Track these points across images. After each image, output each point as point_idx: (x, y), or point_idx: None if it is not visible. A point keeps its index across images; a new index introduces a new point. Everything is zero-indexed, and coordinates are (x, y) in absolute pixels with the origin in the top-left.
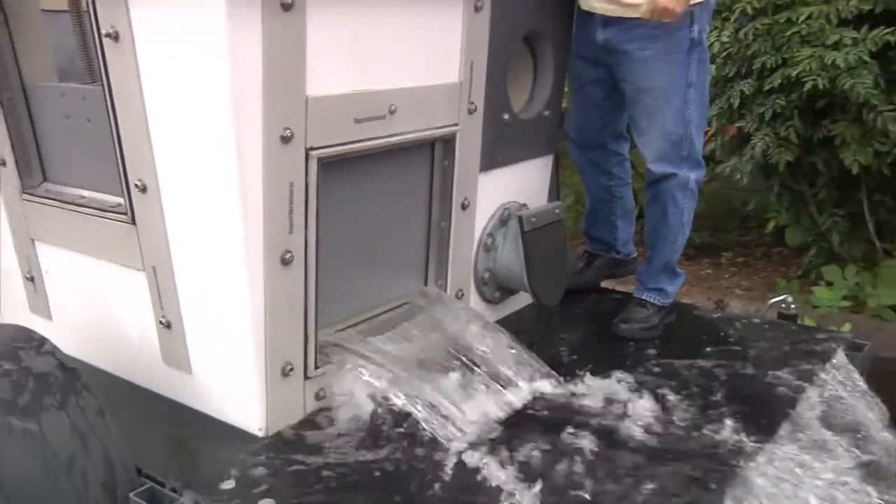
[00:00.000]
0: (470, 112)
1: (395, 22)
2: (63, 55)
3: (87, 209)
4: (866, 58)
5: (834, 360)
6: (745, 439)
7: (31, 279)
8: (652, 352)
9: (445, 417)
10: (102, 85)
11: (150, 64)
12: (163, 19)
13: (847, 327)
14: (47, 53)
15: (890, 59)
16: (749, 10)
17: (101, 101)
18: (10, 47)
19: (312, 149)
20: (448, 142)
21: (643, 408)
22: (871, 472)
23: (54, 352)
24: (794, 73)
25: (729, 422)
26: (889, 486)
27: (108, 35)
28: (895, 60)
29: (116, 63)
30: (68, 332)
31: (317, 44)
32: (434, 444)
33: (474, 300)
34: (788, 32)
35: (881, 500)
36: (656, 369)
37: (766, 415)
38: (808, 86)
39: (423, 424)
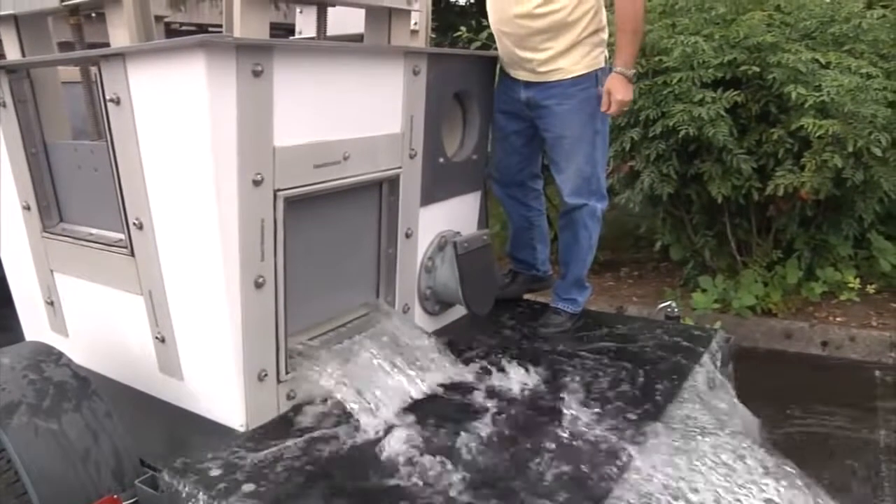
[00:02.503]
0: (411, 157)
1: (347, 84)
2: (76, 117)
3: (95, 244)
4: (723, 112)
5: (709, 349)
6: (655, 394)
7: (51, 303)
8: (564, 349)
9: (376, 407)
10: (107, 140)
11: (144, 122)
12: (155, 86)
13: (718, 324)
14: (64, 116)
15: (739, 113)
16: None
17: (105, 154)
18: (36, 113)
19: (279, 190)
20: (393, 182)
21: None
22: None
23: (70, 364)
24: (670, 124)
25: (630, 395)
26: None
27: (111, 100)
28: (742, 115)
29: (118, 122)
30: (81, 347)
31: (282, 103)
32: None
33: (418, 313)
34: (665, 91)
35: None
36: (568, 362)
37: (661, 389)
38: (681, 133)
39: (359, 417)
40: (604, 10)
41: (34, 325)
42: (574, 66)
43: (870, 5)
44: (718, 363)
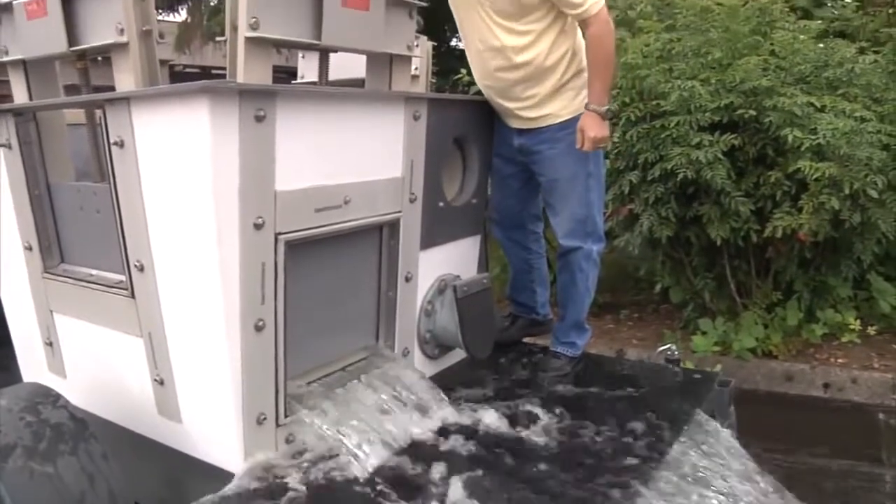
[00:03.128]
0: (411, 201)
1: (349, 128)
2: (80, 158)
3: (96, 285)
4: (720, 156)
5: (709, 393)
6: (653, 445)
7: (50, 344)
8: (563, 393)
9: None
10: (110, 183)
11: (147, 165)
12: (158, 130)
13: (718, 367)
14: (68, 158)
15: (736, 156)
16: (633, 118)
17: (108, 196)
18: (40, 154)
19: (280, 234)
20: (393, 225)
21: (551, 437)
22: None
23: (67, 405)
24: (669, 167)
25: (630, 440)
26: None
27: (115, 143)
28: (740, 158)
29: (121, 165)
30: (79, 388)
31: (284, 148)
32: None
33: (418, 356)
34: (663, 135)
35: None
36: (567, 407)
37: (664, 429)
38: (680, 176)
39: (358, 462)
40: (583, 52)
41: (32, 365)
42: (561, 110)
43: (862, 50)
44: (719, 407)
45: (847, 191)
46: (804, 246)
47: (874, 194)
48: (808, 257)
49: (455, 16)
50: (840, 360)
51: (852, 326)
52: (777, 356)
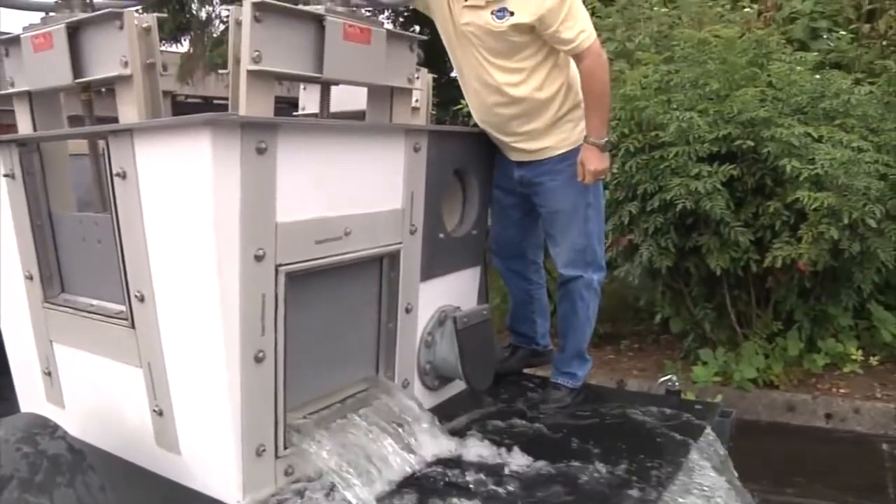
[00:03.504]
0: (411, 232)
1: (349, 161)
2: (82, 189)
3: (96, 315)
4: (719, 186)
5: (710, 424)
6: (653, 475)
7: (49, 374)
8: (564, 425)
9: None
10: (111, 213)
11: (149, 197)
12: (161, 162)
13: (719, 397)
14: (70, 188)
15: (735, 187)
16: (632, 149)
17: (110, 227)
18: (43, 184)
19: (281, 265)
20: (393, 257)
21: (551, 469)
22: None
23: (65, 436)
24: (668, 197)
25: (630, 472)
26: None
27: (117, 174)
28: (739, 188)
29: (123, 196)
30: (78, 419)
31: (285, 180)
32: None
33: (417, 388)
34: (662, 166)
35: None
36: (567, 438)
37: (663, 463)
38: (679, 207)
39: (357, 494)
40: (578, 85)
41: (30, 395)
42: (560, 143)
43: (857, 81)
44: (719, 438)
45: (846, 220)
46: (804, 276)
47: (873, 224)
48: (808, 287)
49: (450, 55)
50: (842, 390)
51: (854, 356)
52: (778, 386)
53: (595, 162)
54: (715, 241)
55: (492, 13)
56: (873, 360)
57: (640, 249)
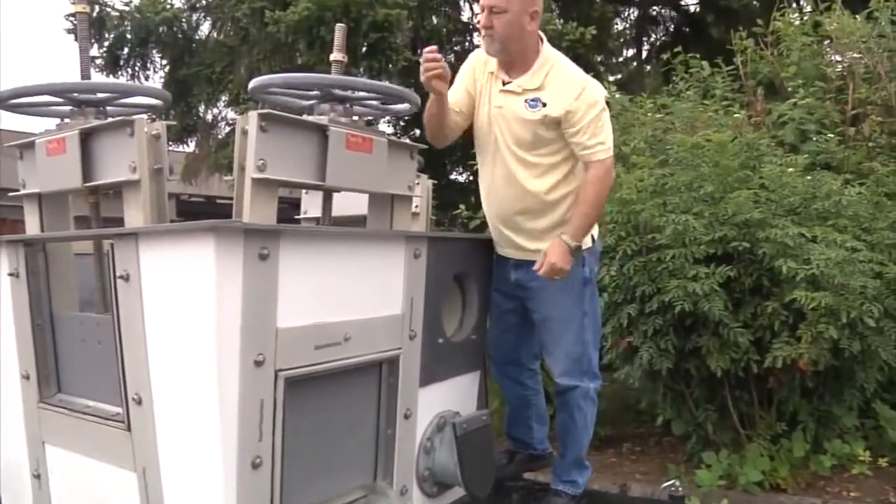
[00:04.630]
0: (411, 338)
1: (350, 267)
2: (84, 288)
3: (92, 417)
4: (717, 287)
5: None
6: None
7: (38, 476)
8: None
9: None
10: (113, 315)
11: (152, 300)
12: (164, 266)
13: (724, 502)
14: (73, 288)
15: (733, 287)
16: (629, 251)
17: (110, 328)
18: (47, 284)
19: (280, 370)
20: (393, 362)
21: None
22: None
23: None
24: (666, 299)
25: None
26: None
27: (121, 276)
28: (736, 289)
29: (126, 298)
30: None
31: (286, 285)
32: None
33: (416, 495)
34: (659, 268)
35: None
36: None
37: None
38: (677, 308)
39: None
40: None
41: (17, 498)
42: None
43: (847, 182)
44: None
45: (844, 319)
46: (806, 375)
47: (871, 323)
48: (810, 386)
49: (476, 140)
50: (853, 493)
51: (862, 457)
52: (786, 489)
53: (559, 258)
54: (714, 342)
55: (526, 101)
56: (882, 462)
57: (640, 351)
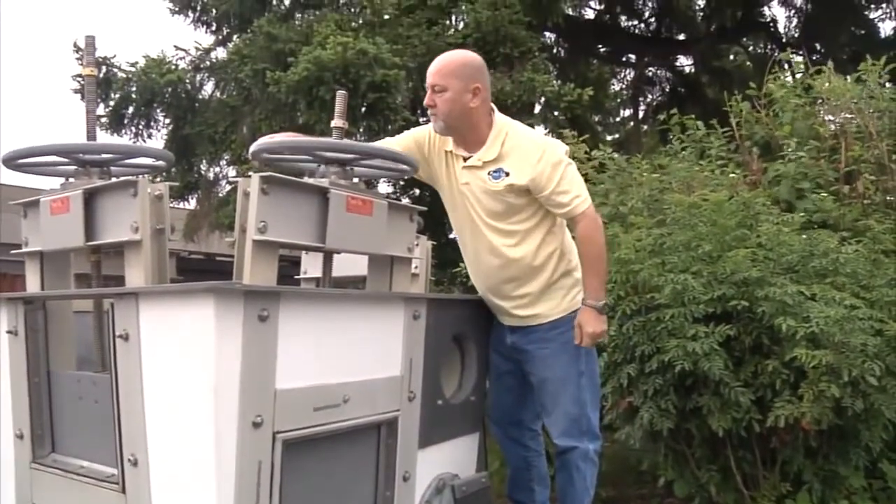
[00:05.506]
0: (410, 399)
1: (349, 328)
2: (82, 345)
3: (85, 478)
4: (716, 346)
5: None
6: None
7: None
8: None
9: None
10: (111, 374)
11: (150, 360)
12: (164, 326)
13: None
14: (71, 346)
15: (733, 346)
16: (628, 311)
17: (108, 387)
18: (45, 342)
19: (279, 432)
20: (391, 424)
21: None
22: None
23: None
24: (666, 359)
25: None
26: None
27: (120, 336)
28: (736, 348)
29: (124, 358)
30: None
31: (286, 347)
32: None
33: None
34: (658, 328)
35: None
36: None
37: None
38: (678, 368)
39: None
40: (572, 250)
41: None
42: (552, 310)
43: (843, 240)
44: None
45: (846, 377)
46: (809, 435)
47: (873, 381)
48: (814, 446)
49: (450, 216)
50: None
51: None
52: None
53: (592, 324)
54: (715, 402)
55: (489, 173)
56: None
57: (641, 412)
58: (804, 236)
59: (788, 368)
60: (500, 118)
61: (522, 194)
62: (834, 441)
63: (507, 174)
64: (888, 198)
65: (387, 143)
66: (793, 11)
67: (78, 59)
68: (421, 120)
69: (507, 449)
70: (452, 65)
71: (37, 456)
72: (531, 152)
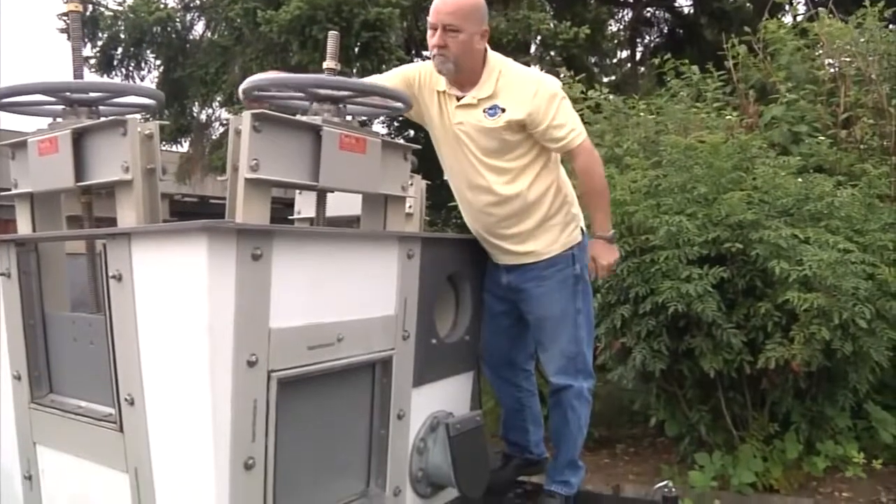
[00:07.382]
0: (404, 338)
1: (343, 267)
2: (76, 288)
3: (84, 417)
4: (710, 288)
5: None
6: None
7: (29, 478)
8: None
9: None
10: (105, 315)
11: (144, 300)
12: (157, 266)
13: (717, 503)
14: (65, 288)
15: (726, 289)
16: (623, 252)
17: (103, 328)
18: (38, 284)
19: (273, 371)
20: (386, 363)
21: None
22: None
23: None
24: (660, 300)
25: None
26: None
27: (113, 276)
28: (729, 290)
29: (118, 299)
30: None
31: (279, 286)
32: None
33: (409, 495)
34: (653, 269)
35: None
36: None
37: None
38: (671, 310)
39: None
40: (567, 185)
41: (8, 501)
42: (548, 247)
43: (839, 184)
44: None
45: (836, 321)
46: (798, 377)
47: (863, 324)
48: (803, 387)
49: (441, 159)
50: (845, 494)
51: (856, 459)
52: (779, 490)
53: (606, 255)
54: (708, 344)
55: (484, 111)
56: (876, 463)
57: (633, 353)
58: (800, 180)
59: (780, 311)
60: (493, 56)
61: (518, 130)
62: (822, 383)
63: (504, 110)
64: (885, 143)
65: (375, 80)
66: None
67: None
68: (416, 60)
69: (500, 390)
70: (467, 7)
71: (35, 397)
72: (526, 87)
